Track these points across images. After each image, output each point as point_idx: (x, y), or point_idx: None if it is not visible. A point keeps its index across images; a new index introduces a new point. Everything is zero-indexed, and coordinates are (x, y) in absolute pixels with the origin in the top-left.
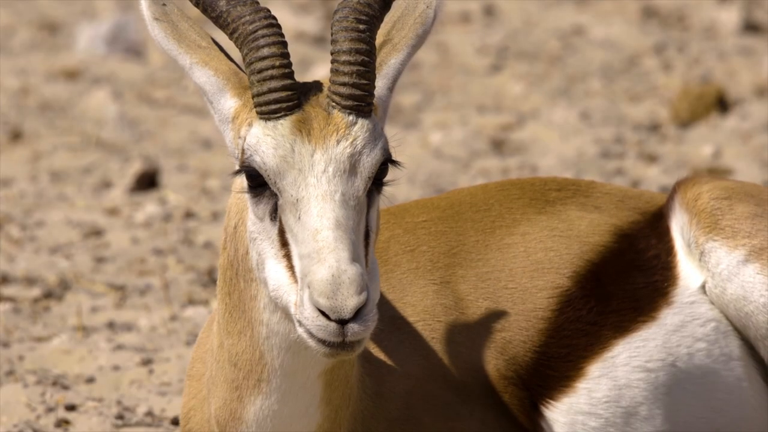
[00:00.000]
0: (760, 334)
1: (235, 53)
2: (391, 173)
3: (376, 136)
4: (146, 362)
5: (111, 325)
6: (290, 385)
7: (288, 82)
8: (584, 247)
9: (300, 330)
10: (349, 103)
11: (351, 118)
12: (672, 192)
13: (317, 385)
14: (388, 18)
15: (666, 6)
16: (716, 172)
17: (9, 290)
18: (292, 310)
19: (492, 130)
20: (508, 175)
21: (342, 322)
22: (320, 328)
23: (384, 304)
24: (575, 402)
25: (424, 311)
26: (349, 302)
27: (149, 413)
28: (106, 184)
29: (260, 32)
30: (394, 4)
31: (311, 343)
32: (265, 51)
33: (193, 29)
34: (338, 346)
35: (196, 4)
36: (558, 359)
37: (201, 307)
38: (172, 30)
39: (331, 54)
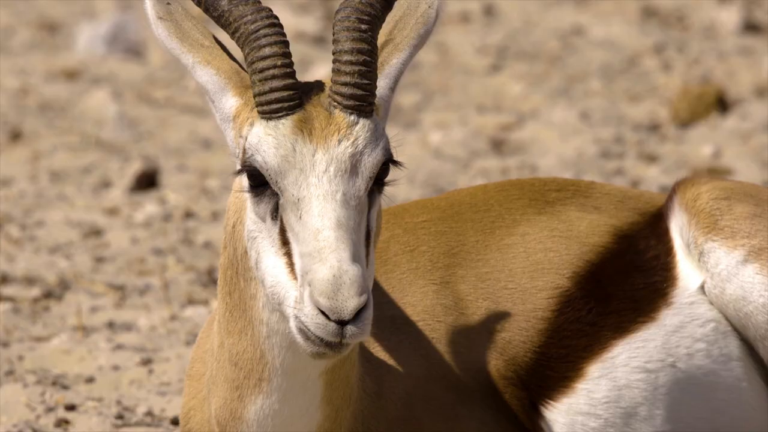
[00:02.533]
0: (759, 334)
1: (237, 53)
2: (392, 173)
3: (378, 136)
4: (146, 362)
5: (111, 325)
6: (291, 385)
7: (289, 81)
8: (584, 247)
9: (293, 326)
10: (350, 103)
11: (352, 118)
12: (671, 192)
13: (318, 385)
14: (390, 17)
15: (666, 6)
16: (716, 172)
17: (9, 290)
18: (291, 304)
19: (492, 130)
20: (508, 175)
21: (341, 323)
22: (319, 327)
23: (384, 304)
24: (575, 402)
25: (424, 311)
26: (350, 303)
27: (149, 413)
28: (106, 184)
29: (262, 32)
30: (396, 4)
31: (300, 339)
32: (267, 50)
33: (196, 28)
34: (331, 345)
35: (198, 4)
36: (558, 360)
37: (201, 307)
38: (176, 29)
39: (333, 54)
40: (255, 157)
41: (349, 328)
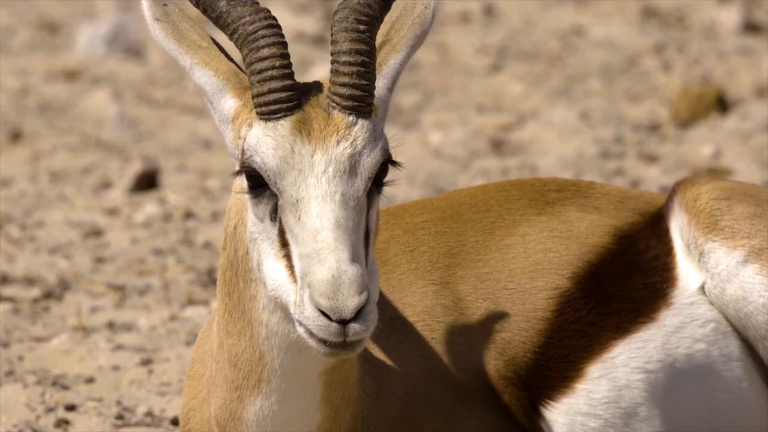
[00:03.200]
0: (759, 335)
1: (236, 54)
2: (391, 173)
3: (376, 136)
4: (146, 362)
5: (111, 325)
6: (290, 386)
7: (288, 82)
8: (584, 248)
9: (300, 329)
10: (349, 103)
11: (351, 118)
12: (671, 192)
13: (317, 385)
14: (387, 18)
15: (666, 6)
16: (716, 172)
17: (9, 290)
18: (292, 310)
19: (492, 130)
20: (508, 175)
21: (343, 322)
22: (321, 328)
23: (384, 305)
24: (574, 403)
25: (424, 312)
26: (350, 303)
27: (149, 413)
28: (106, 184)
29: (260, 33)
30: (393, 5)
31: (312, 342)
32: (265, 51)
33: (193, 29)
34: (339, 345)
35: (196, 5)
36: (557, 360)
37: (201, 307)
38: (173, 30)
39: (332, 54)
40: (254, 158)
41: (353, 326)
